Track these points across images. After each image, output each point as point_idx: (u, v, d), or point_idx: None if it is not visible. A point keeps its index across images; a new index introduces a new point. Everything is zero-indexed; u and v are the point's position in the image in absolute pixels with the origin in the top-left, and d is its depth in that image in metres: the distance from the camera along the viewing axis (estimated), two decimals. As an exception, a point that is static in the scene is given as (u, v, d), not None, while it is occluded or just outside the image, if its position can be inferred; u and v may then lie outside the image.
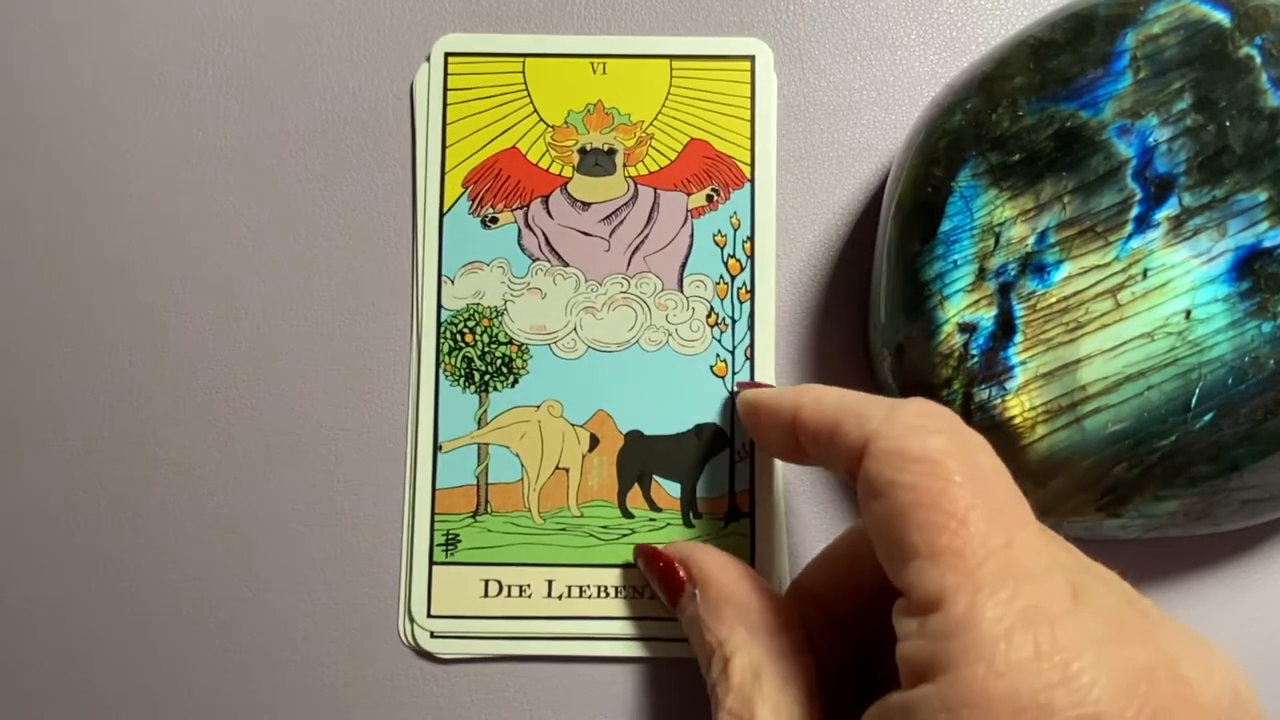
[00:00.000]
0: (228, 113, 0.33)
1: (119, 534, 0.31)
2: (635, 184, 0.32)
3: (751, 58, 0.32)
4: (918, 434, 0.21)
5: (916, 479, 0.21)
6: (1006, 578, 0.19)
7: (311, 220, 0.32)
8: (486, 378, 0.31)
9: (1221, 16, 0.26)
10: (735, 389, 0.29)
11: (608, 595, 0.30)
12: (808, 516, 0.31)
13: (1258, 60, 0.26)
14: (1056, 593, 0.19)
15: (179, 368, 0.32)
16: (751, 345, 0.31)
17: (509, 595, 0.30)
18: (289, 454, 0.31)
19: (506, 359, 0.31)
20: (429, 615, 0.30)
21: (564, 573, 0.31)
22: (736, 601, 0.25)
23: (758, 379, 0.31)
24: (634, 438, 0.31)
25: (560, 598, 0.30)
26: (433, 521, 0.31)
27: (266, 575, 0.31)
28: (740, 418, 0.28)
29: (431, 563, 0.31)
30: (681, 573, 0.27)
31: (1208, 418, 0.25)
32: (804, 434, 0.24)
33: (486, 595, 0.30)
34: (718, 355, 0.31)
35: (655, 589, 0.29)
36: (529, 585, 0.30)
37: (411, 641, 0.30)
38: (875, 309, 0.29)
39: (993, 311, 0.27)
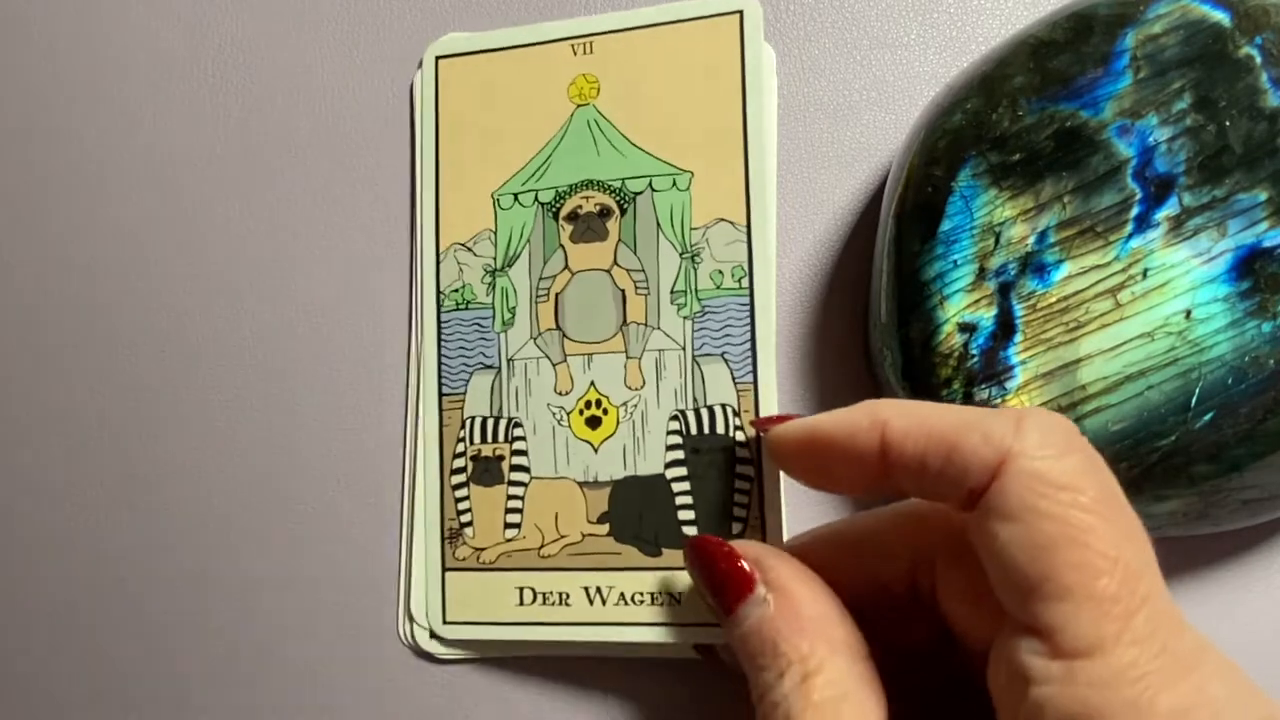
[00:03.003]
0: (228, 112, 0.33)
1: (119, 536, 0.31)
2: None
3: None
4: (1055, 453, 0.20)
5: (1064, 510, 0.20)
6: (1158, 628, 0.19)
7: (311, 219, 0.32)
8: (486, 377, 0.31)
9: (1221, 16, 0.26)
10: (757, 426, 0.26)
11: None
12: (808, 519, 0.31)
13: (1258, 60, 0.26)
14: (1192, 642, 0.19)
15: (178, 367, 0.32)
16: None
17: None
18: (288, 452, 0.31)
19: (506, 359, 0.31)
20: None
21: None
22: (819, 615, 0.23)
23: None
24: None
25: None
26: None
27: (266, 576, 0.31)
28: (778, 457, 0.25)
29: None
30: (753, 574, 0.25)
31: (1208, 418, 0.25)
32: (901, 457, 0.22)
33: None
34: (718, 355, 0.31)
35: (703, 585, 0.26)
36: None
37: (411, 641, 0.30)
38: (875, 309, 0.29)
39: (993, 311, 0.27)
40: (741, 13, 0.30)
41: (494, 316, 0.31)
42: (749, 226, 0.30)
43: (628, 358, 0.31)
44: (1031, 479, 0.20)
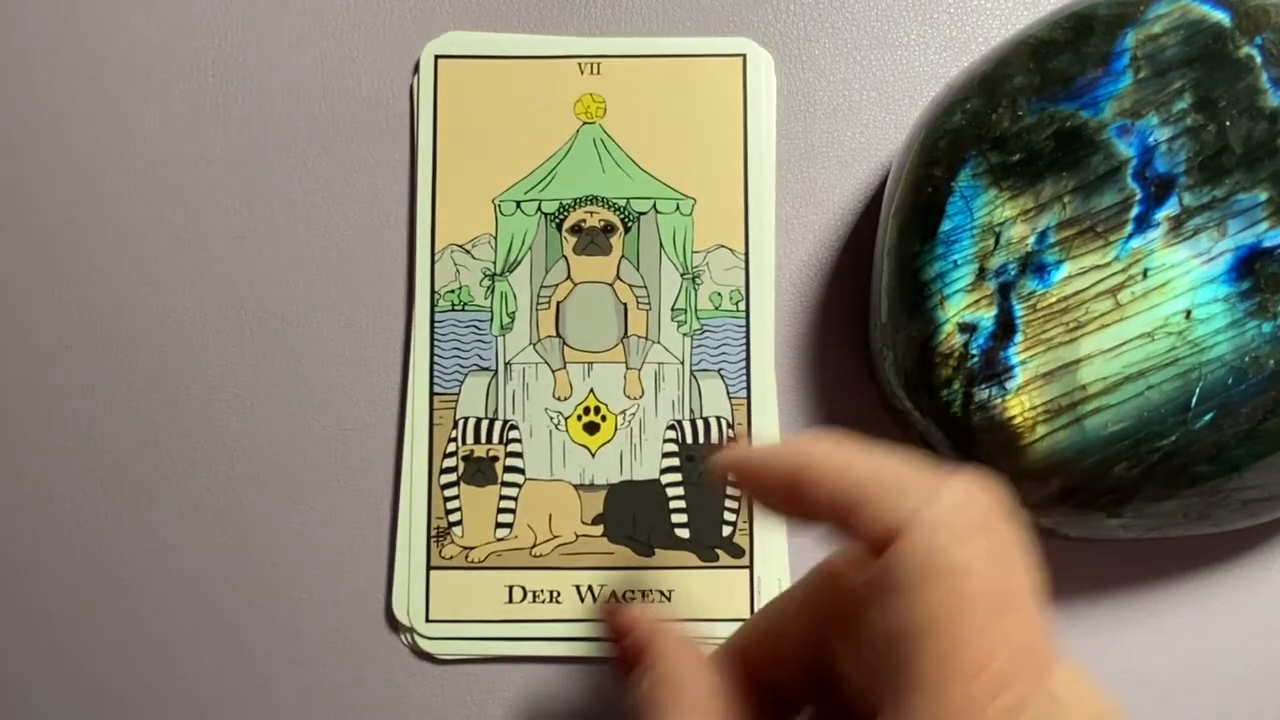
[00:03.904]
0: (227, 112, 0.32)
1: (119, 539, 0.31)
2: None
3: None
4: (955, 536, 0.19)
5: (943, 598, 0.18)
6: None
7: (309, 220, 0.32)
8: (485, 378, 0.32)
9: (1221, 16, 0.27)
10: (702, 458, 0.27)
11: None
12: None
13: (1258, 60, 0.26)
14: None
15: (177, 366, 0.32)
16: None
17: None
18: (287, 452, 0.31)
19: (505, 359, 0.32)
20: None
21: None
22: (690, 687, 0.23)
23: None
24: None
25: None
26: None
27: (265, 576, 0.31)
28: (719, 481, 0.26)
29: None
30: (641, 649, 0.25)
31: (1208, 418, 0.25)
32: (817, 499, 0.21)
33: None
34: (718, 356, 0.32)
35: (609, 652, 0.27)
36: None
37: (411, 642, 0.30)
38: (875, 309, 0.29)
39: (993, 311, 0.27)
40: (745, 56, 0.32)
41: (492, 320, 0.31)
42: (747, 254, 0.31)
43: (628, 368, 0.31)
44: (923, 555, 0.19)
